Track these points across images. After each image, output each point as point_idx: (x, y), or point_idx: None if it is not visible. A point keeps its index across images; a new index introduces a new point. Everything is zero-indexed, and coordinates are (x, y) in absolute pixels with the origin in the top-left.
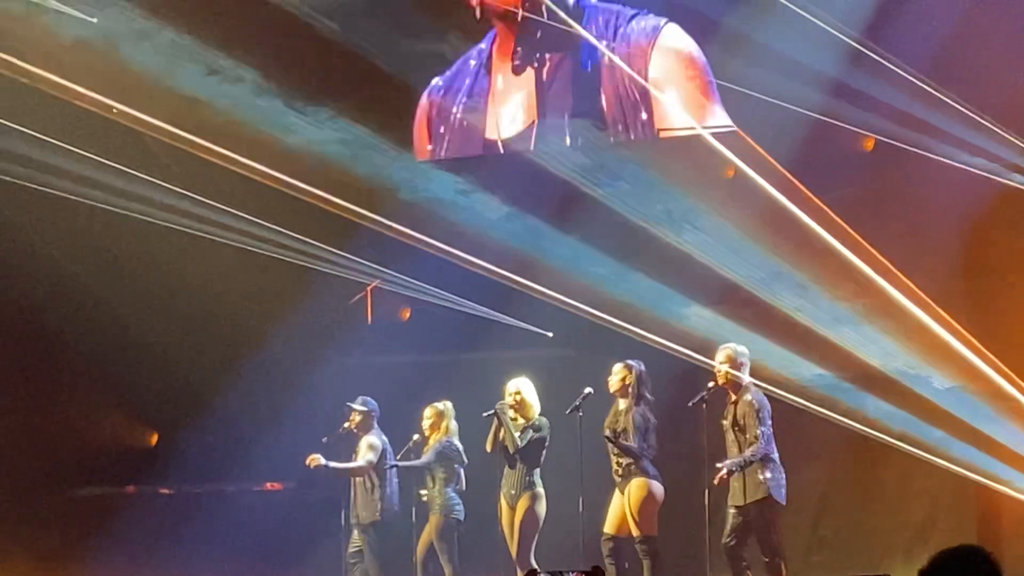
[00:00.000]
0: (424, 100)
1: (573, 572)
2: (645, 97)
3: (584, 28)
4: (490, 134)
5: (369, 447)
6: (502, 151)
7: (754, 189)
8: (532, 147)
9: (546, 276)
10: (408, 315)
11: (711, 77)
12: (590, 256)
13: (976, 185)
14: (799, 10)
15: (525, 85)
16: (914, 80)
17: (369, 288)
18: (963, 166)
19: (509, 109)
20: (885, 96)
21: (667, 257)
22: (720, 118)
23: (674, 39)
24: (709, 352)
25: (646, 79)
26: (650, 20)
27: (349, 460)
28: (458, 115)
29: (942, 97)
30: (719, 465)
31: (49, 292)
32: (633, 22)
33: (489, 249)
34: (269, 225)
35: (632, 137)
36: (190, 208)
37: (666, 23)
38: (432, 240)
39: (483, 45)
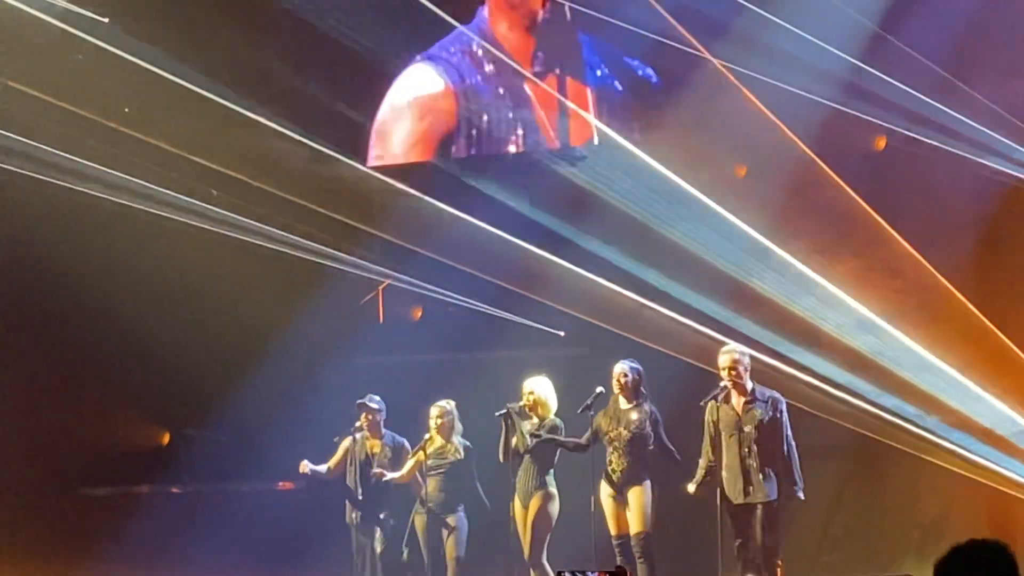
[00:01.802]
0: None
1: (596, 572)
2: None
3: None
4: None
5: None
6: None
7: (765, 186)
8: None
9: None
10: (419, 314)
11: None
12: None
13: (992, 183)
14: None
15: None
16: (915, 94)
17: (381, 287)
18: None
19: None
20: (900, 93)
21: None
22: None
23: None
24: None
25: None
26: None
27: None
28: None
29: (946, 109)
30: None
31: (59, 291)
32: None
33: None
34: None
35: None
36: (202, 207)
37: None
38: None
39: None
